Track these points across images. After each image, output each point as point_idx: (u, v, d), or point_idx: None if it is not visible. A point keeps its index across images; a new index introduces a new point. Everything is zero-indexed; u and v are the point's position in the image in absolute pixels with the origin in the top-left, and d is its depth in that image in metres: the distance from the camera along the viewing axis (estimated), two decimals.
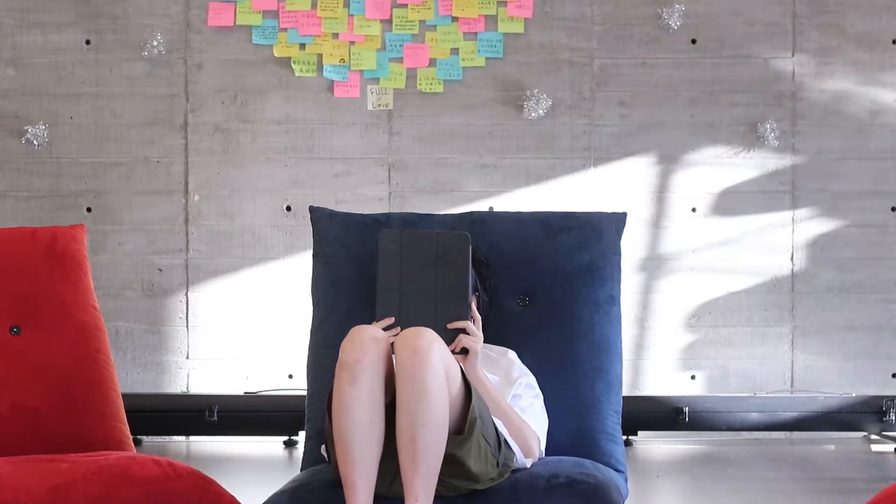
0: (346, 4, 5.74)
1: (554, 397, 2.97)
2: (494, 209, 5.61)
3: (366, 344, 2.54)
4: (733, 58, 5.85)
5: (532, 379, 2.93)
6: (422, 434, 2.43)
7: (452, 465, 2.54)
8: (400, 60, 5.76)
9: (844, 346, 5.84)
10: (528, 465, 2.78)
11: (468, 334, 2.74)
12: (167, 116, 5.79)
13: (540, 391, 2.92)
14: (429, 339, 2.47)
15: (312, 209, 3.26)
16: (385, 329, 2.77)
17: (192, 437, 5.72)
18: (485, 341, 3.01)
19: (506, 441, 2.72)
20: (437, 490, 2.58)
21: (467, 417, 2.51)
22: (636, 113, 5.83)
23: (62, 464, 2.64)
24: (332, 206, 5.62)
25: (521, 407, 2.85)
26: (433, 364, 2.44)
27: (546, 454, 2.90)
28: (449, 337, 2.75)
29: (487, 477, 2.60)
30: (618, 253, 3.13)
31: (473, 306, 2.85)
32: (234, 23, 5.78)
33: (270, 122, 5.81)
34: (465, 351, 2.75)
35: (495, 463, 2.61)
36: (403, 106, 5.81)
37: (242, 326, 5.80)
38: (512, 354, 2.97)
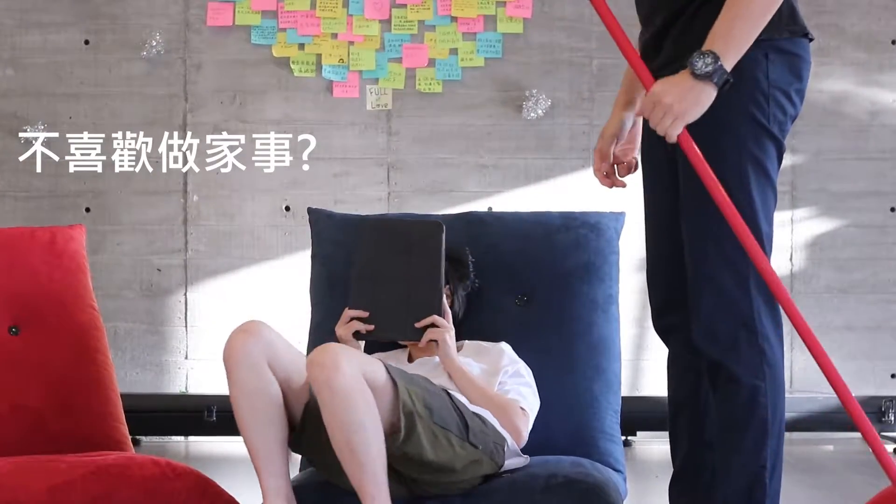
0: (345, 4, 5.74)
1: (552, 397, 2.98)
2: (493, 209, 5.61)
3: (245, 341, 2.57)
4: None
5: (522, 367, 2.93)
6: (353, 436, 2.44)
7: (411, 462, 2.54)
8: (399, 60, 5.76)
9: (843, 347, 5.84)
10: (519, 450, 2.80)
11: (437, 326, 2.80)
12: (166, 116, 5.79)
13: (531, 381, 2.92)
14: (333, 352, 2.46)
15: (311, 210, 3.27)
16: (359, 320, 2.81)
17: (191, 438, 5.71)
18: (482, 339, 3.02)
19: (481, 419, 2.71)
20: (423, 491, 2.59)
21: (400, 415, 2.51)
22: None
23: (61, 464, 2.64)
24: (331, 206, 5.63)
25: (504, 392, 2.87)
26: (342, 370, 2.43)
27: (544, 454, 2.90)
28: (419, 329, 2.81)
29: (466, 460, 2.59)
30: (616, 252, 3.14)
31: (444, 298, 2.87)
32: (233, 23, 5.77)
33: (269, 122, 5.80)
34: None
35: (464, 444, 2.59)
36: (402, 106, 5.81)
37: None
38: (504, 346, 2.98)
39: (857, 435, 5.71)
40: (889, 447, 5.54)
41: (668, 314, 2.78)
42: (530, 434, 2.92)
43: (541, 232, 3.13)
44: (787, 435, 6.14)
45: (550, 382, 2.99)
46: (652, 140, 2.66)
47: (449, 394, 2.68)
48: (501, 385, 2.88)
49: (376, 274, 2.88)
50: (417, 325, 2.82)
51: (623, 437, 3.14)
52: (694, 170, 2.50)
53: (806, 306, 5.83)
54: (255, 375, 2.56)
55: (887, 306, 5.86)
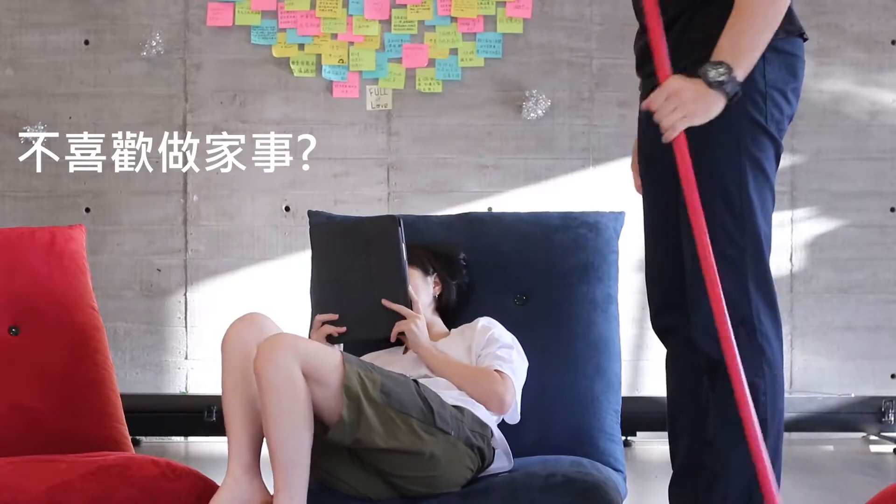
0: (345, 5, 5.74)
1: (552, 396, 2.97)
2: (493, 209, 5.61)
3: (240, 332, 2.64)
4: None
5: (499, 331, 2.93)
6: (272, 427, 2.47)
7: (374, 452, 2.54)
8: (399, 61, 5.76)
9: (843, 347, 5.84)
10: (503, 420, 2.82)
11: (404, 318, 2.85)
12: (166, 116, 5.79)
13: (512, 342, 2.92)
14: (272, 344, 2.49)
15: (311, 213, 3.26)
16: (330, 323, 2.83)
17: (191, 438, 5.71)
18: None
19: (459, 409, 2.71)
20: (412, 491, 2.58)
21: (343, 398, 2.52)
22: (635, 113, 5.79)
23: (61, 464, 2.64)
24: (330, 206, 5.64)
25: (482, 361, 2.88)
26: (275, 363, 2.46)
27: (544, 453, 2.90)
28: (390, 320, 2.85)
29: (438, 448, 2.58)
30: (615, 252, 3.14)
31: (410, 289, 2.89)
32: (233, 23, 5.77)
33: (269, 122, 5.80)
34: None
35: (430, 428, 2.59)
36: (402, 106, 5.81)
37: None
38: (482, 319, 2.98)
39: (858, 435, 5.72)
40: (888, 448, 5.54)
41: (666, 314, 2.78)
42: (529, 434, 2.92)
43: (540, 232, 3.13)
44: (786, 435, 6.13)
45: (550, 382, 2.99)
46: (652, 143, 2.66)
47: (416, 382, 2.68)
48: (479, 358, 2.88)
49: (339, 277, 2.89)
50: (394, 333, 2.87)
51: (623, 437, 3.14)
52: (694, 172, 2.51)
53: (806, 306, 5.83)
54: (243, 357, 2.60)
55: (887, 306, 5.86)
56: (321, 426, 2.53)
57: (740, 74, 2.46)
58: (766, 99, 2.54)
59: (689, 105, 2.46)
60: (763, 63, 2.53)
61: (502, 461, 2.79)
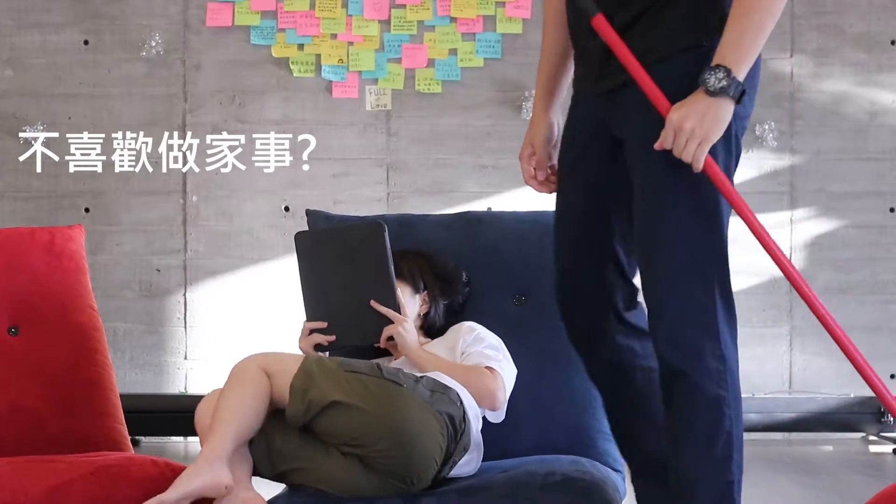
0: (345, 5, 5.74)
1: (551, 396, 2.98)
2: (493, 209, 5.60)
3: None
4: None
5: (483, 332, 2.93)
6: (221, 399, 2.66)
7: (334, 430, 2.57)
8: (398, 61, 5.76)
9: None
10: (490, 416, 2.83)
11: (392, 322, 2.86)
12: (165, 117, 5.79)
13: (498, 344, 2.92)
14: (246, 360, 2.67)
15: (309, 212, 3.26)
16: (319, 331, 2.84)
17: (191, 438, 5.71)
18: None
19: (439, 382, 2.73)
20: (405, 482, 2.58)
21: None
22: None
23: (60, 464, 2.64)
24: (330, 206, 5.64)
25: (468, 359, 2.88)
26: (237, 366, 2.66)
27: (543, 454, 2.90)
28: (378, 326, 2.85)
29: (391, 402, 2.58)
30: None
31: (399, 293, 2.89)
32: (233, 23, 5.77)
33: (269, 122, 5.80)
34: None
35: (379, 381, 2.60)
36: (402, 106, 5.81)
37: (241, 327, 5.80)
38: (466, 322, 2.98)
39: (857, 435, 5.72)
40: (887, 448, 5.54)
41: (582, 319, 2.69)
42: (529, 433, 2.92)
43: (539, 232, 3.13)
44: (786, 435, 6.14)
45: (549, 382, 2.99)
46: (577, 139, 2.62)
47: (380, 366, 2.69)
48: (464, 356, 2.88)
49: (326, 283, 2.88)
50: (381, 342, 2.88)
51: None
52: (656, 175, 2.45)
53: (805, 307, 5.82)
54: (249, 375, 2.65)
55: (886, 307, 5.86)
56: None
57: (741, 76, 2.41)
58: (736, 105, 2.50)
59: (696, 131, 2.39)
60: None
61: (472, 454, 2.76)
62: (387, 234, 2.83)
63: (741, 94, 2.42)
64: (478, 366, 2.84)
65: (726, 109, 2.42)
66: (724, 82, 2.40)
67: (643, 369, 2.64)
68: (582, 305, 2.68)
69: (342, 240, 2.89)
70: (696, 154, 2.41)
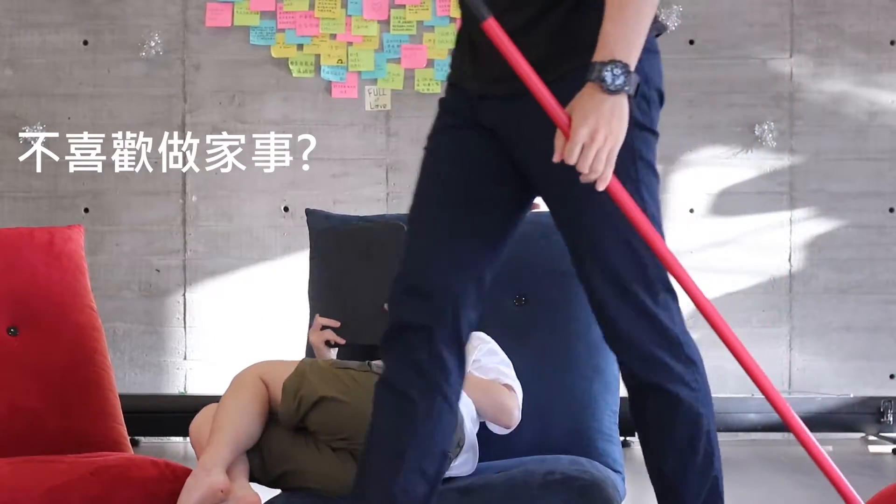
0: (344, 5, 5.74)
1: (551, 397, 2.97)
2: None
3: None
4: (731, 58, 5.85)
5: (494, 345, 2.92)
6: (220, 406, 2.67)
7: (325, 426, 2.59)
8: (398, 61, 5.76)
9: (842, 347, 5.84)
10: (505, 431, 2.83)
11: None
12: (165, 117, 5.79)
13: (507, 358, 2.91)
14: (244, 371, 2.71)
15: (309, 212, 3.26)
16: (331, 329, 2.84)
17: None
18: None
19: None
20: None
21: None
22: None
23: (60, 465, 2.64)
24: (329, 206, 5.63)
25: (483, 368, 2.87)
26: (236, 377, 2.71)
27: (542, 454, 2.89)
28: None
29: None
30: None
31: None
32: (232, 23, 5.77)
33: (268, 122, 5.80)
34: None
35: (365, 373, 2.63)
36: (401, 107, 5.80)
37: (240, 327, 5.80)
38: (475, 336, 2.91)
39: (857, 435, 5.72)
40: (887, 448, 5.54)
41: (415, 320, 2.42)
42: (528, 434, 2.92)
43: (539, 232, 3.12)
44: (787, 435, 6.13)
45: (549, 383, 2.99)
46: (456, 135, 2.37)
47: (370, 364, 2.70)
48: (476, 363, 2.86)
49: (340, 280, 2.88)
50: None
51: (621, 438, 3.13)
52: (576, 184, 2.21)
53: (805, 307, 5.83)
54: (248, 384, 2.68)
55: (886, 307, 5.86)
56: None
57: (634, 67, 2.20)
58: (649, 100, 2.37)
59: (608, 141, 2.16)
60: (640, 65, 2.25)
61: (467, 454, 2.75)
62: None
63: (637, 91, 2.21)
64: (496, 382, 2.83)
65: (624, 106, 2.19)
66: (621, 79, 2.18)
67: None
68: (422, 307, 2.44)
69: (361, 237, 2.89)
70: (607, 170, 2.19)
